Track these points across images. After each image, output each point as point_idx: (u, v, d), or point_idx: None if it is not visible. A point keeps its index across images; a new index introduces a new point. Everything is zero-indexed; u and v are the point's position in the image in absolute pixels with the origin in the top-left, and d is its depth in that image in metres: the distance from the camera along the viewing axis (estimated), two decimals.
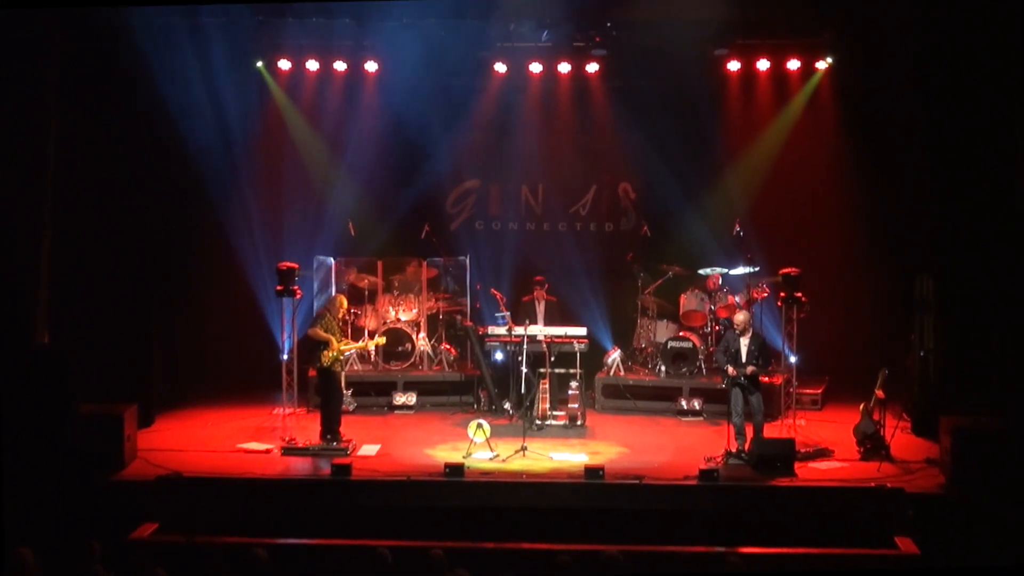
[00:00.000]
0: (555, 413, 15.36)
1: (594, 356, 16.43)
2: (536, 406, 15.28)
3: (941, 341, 14.91)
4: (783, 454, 13.17)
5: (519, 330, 15.43)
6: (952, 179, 14.62)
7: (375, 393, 16.36)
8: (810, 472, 13.20)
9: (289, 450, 13.97)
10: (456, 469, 12.78)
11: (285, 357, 15.39)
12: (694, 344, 16.32)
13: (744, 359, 13.69)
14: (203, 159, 16.57)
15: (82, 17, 14.68)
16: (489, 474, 13.04)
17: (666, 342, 16.46)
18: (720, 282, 16.48)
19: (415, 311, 17.05)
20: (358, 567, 10.26)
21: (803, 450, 13.68)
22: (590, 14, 16.43)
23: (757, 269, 16.30)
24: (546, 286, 16.54)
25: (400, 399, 16.20)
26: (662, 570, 10.95)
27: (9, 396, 12.27)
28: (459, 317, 17.14)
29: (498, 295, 16.37)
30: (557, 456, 13.80)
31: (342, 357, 14.51)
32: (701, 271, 16.67)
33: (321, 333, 14.19)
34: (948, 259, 14.83)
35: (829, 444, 14.13)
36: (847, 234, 17.29)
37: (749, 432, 13.66)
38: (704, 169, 17.60)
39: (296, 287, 14.91)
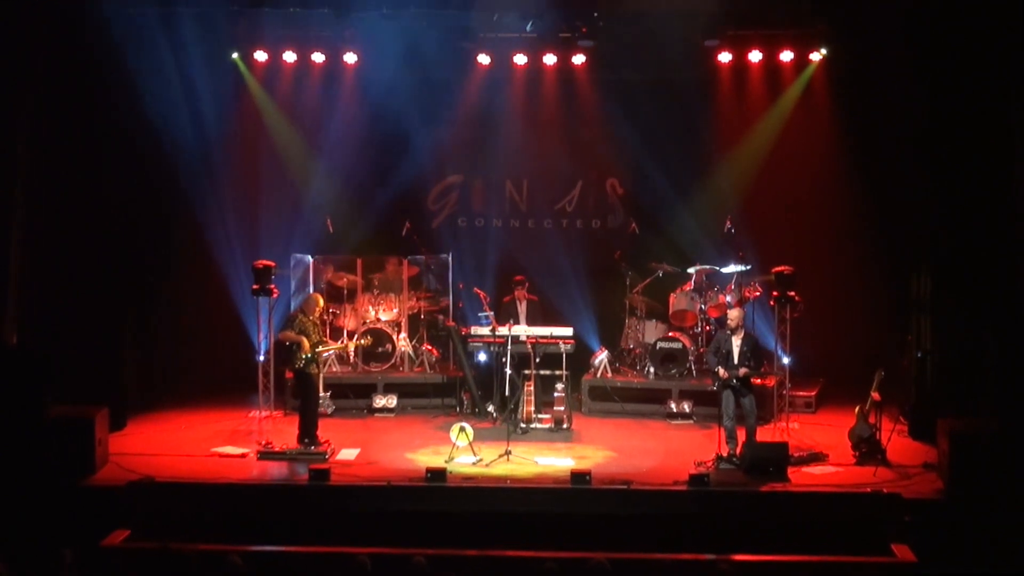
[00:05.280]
0: (540, 416, 15.26)
1: (580, 357, 16.36)
2: (521, 409, 15.18)
3: (939, 342, 14.79)
4: (776, 458, 13.14)
5: (503, 330, 15.40)
6: (950, 175, 14.51)
7: (354, 395, 16.29)
8: (804, 477, 13.15)
9: (265, 454, 13.89)
10: (438, 474, 12.70)
11: (261, 358, 15.47)
12: (684, 345, 16.22)
13: (736, 360, 13.57)
14: (177, 154, 16.48)
15: (52, 7, 14.52)
16: (472, 479, 12.97)
17: (655, 343, 16.39)
18: (707, 277, 16.44)
19: (396, 311, 16.98)
20: (338, 574, 10.12)
21: (796, 454, 13.61)
22: (577, 3, 16.34)
23: (749, 267, 16.27)
24: (526, 285, 16.50)
25: (380, 402, 16.15)
26: None
27: None
28: (441, 317, 17.06)
29: (481, 294, 16.30)
30: (542, 460, 13.75)
31: (318, 359, 14.33)
32: (690, 269, 16.60)
33: (291, 335, 14.11)
34: (946, 257, 14.70)
35: (823, 448, 14.05)
36: (842, 231, 17.30)
37: (741, 436, 13.59)
38: (694, 164, 17.57)
39: (272, 286, 15.08)
